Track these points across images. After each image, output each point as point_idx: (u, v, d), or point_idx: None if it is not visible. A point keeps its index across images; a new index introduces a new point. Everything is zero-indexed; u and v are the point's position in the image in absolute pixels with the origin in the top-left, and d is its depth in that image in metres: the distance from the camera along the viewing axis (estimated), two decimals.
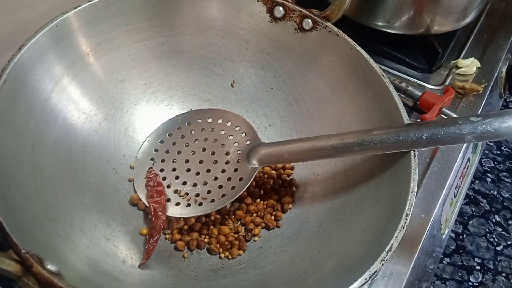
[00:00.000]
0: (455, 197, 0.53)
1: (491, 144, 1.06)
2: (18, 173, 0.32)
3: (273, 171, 0.43)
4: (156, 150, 0.42)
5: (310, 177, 0.42)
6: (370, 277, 0.28)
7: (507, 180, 1.00)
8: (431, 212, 0.44)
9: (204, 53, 0.45)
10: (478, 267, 0.86)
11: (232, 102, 0.46)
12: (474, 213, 0.94)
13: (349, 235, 0.35)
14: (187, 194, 0.39)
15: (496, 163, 1.03)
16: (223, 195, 0.38)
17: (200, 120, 0.43)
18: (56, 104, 0.37)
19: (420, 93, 0.50)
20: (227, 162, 0.40)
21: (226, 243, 0.38)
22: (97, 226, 0.36)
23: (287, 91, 0.45)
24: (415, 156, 0.34)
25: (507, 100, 1.14)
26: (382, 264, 0.29)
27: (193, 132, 0.42)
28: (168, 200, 0.38)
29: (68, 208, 0.35)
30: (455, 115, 0.49)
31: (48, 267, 0.27)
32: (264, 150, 0.39)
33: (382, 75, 0.38)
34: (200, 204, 0.38)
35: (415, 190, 0.32)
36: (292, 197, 0.41)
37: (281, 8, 0.43)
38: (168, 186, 0.39)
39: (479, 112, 0.53)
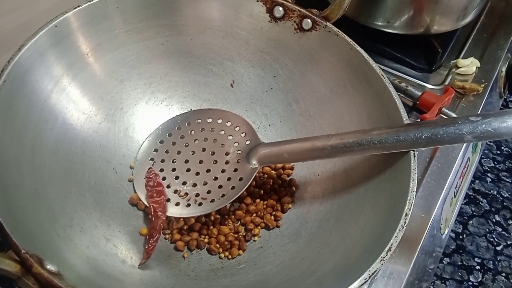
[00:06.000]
0: (455, 197, 0.53)
1: (491, 144, 1.06)
2: (18, 173, 0.32)
3: (273, 171, 0.43)
4: (156, 150, 0.42)
5: (309, 177, 0.42)
6: (369, 277, 0.28)
7: (507, 180, 1.00)
8: (431, 212, 0.44)
9: (203, 53, 0.45)
10: (478, 267, 0.86)
11: (231, 102, 0.46)
12: (474, 213, 0.94)
13: (348, 235, 0.35)
14: (186, 194, 0.39)
15: (496, 163, 1.03)
16: (223, 195, 0.38)
17: (199, 120, 0.43)
18: (56, 104, 0.37)
19: (420, 93, 0.50)
20: (226, 162, 0.40)
21: (226, 243, 0.38)
22: (97, 226, 0.36)
23: (286, 91, 0.45)
24: (414, 156, 0.34)
25: (507, 99, 1.14)
26: (382, 264, 0.29)
27: (192, 132, 0.42)
28: (168, 200, 0.38)
29: (67, 208, 0.35)
30: (454, 115, 0.49)
31: (48, 267, 0.27)
32: (263, 150, 0.39)
33: (382, 75, 0.38)
34: (200, 204, 0.38)
35: (415, 190, 0.32)
36: (291, 197, 0.41)
37: (280, 8, 0.43)
38: (168, 186, 0.39)
39: (479, 112, 0.53)
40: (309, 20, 0.42)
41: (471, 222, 0.92)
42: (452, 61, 0.58)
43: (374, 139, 0.34)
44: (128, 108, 0.43)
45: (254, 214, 0.40)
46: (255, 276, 0.36)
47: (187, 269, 0.37)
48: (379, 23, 0.54)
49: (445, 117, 0.49)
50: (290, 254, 0.37)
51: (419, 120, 0.49)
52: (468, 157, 0.55)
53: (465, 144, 0.50)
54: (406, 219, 0.31)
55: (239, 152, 0.40)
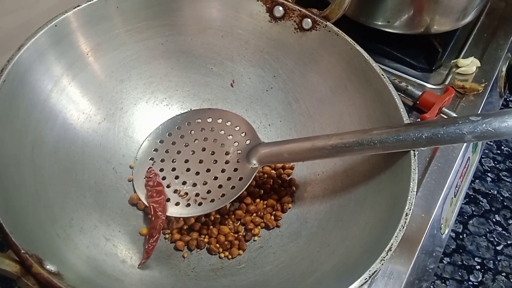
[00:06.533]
0: (455, 196, 0.53)
1: (491, 143, 1.06)
2: (18, 173, 0.32)
3: (273, 171, 0.43)
4: (155, 150, 0.42)
5: (310, 177, 0.42)
6: (370, 277, 0.28)
7: (507, 179, 1.00)
8: (431, 211, 0.44)
9: (203, 53, 0.45)
10: (478, 267, 0.86)
11: (231, 102, 0.46)
12: (474, 213, 0.94)
13: (349, 234, 0.35)
14: (186, 194, 0.39)
15: (496, 162, 1.03)
16: (223, 195, 0.38)
17: (199, 120, 0.43)
18: (56, 104, 0.37)
19: (420, 93, 0.50)
20: (226, 162, 0.40)
21: (225, 243, 0.38)
22: (97, 226, 0.36)
23: (286, 91, 0.45)
24: (415, 155, 0.34)
25: (507, 99, 1.14)
26: (382, 264, 0.29)
27: (192, 132, 0.42)
28: (168, 200, 0.38)
29: (67, 208, 0.35)
30: (455, 115, 0.49)
31: (48, 267, 0.27)
32: (263, 149, 0.39)
33: (382, 74, 0.38)
34: (200, 204, 0.38)
35: (415, 190, 0.32)
36: (291, 197, 0.41)
37: (280, 8, 0.43)
38: (168, 186, 0.39)
39: (479, 112, 0.53)
40: (309, 20, 0.42)
41: (471, 221, 0.92)
42: (452, 61, 0.58)
43: (374, 139, 0.34)
44: (128, 108, 0.43)
45: (254, 214, 0.40)
46: (255, 276, 0.36)
47: (187, 269, 0.37)
48: (379, 23, 0.54)
49: (445, 116, 0.49)
50: (290, 254, 0.37)
51: (419, 119, 0.49)
52: (468, 157, 0.55)
53: (465, 144, 0.50)
54: (406, 219, 0.31)
55: (239, 151, 0.40)
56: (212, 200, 0.38)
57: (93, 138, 0.40)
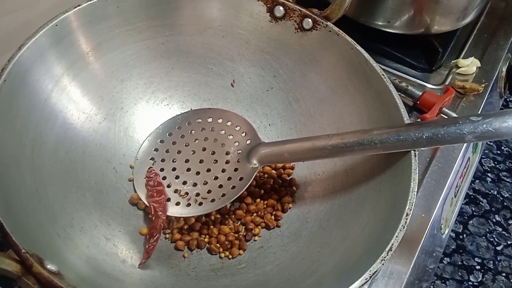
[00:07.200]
0: (455, 196, 0.53)
1: (491, 143, 1.06)
2: (18, 173, 0.32)
3: (273, 171, 0.43)
4: (156, 149, 0.42)
5: (310, 177, 0.42)
6: (370, 277, 0.28)
7: (507, 179, 1.00)
8: (431, 211, 0.44)
9: (204, 53, 0.45)
10: (478, 267, 0.86)
11: (232, 102, 0.46)
12: (474, 213, 0.94)
13: (349, 234, 0.35)
14: (187, 193, 0.39)
15: (496, 162, 1.03)
16: (223, 195, 0.38)
17: (200, 120, 0.43)
18: (56, 104, 0.37)
19: (420, 93, 0.50)
20: (227, 162, 0.40)
21: (226, 242, 0.38)
22: (97, 226, 0.36)
23: (287, 91, 0.45)
24: (415, 155, 0.34)
25: (507, 99, 1.14)
26: (383, 264, 0.29)
27: (193, 131, 0.42)
28: (168, 199, 0.38)
29: (68, 208, 0.35)
30: (455, 115, 0.49)
31: (48, 267, 0.27)
32: (264, 149, 0.39)
33: (382, 74, 0.38)
34: (200, 203, 0.38)
35: (415, 190, 0.32)
36: (292, 197, 0.41)
37: (281, 8, 0.43)
38: (168, 186, 0.39)
39: (479, 112, 0.53)
40: (309, 20, 0.42)
41: (471, 222, 0.92)
42: (452, 61, 0.58)
43: (375, 139, 0.34)
44: (129, 107, 0.43)
45: (255, 214, 0.40)
46: (255, 276, 0.36)
47: (187, 269, 0.37)
48: (380, 23, 0.54)
49: (446, 117, 0.49)
50: (290, 254, 0.37)
51: (419, 120, 0.49)
52: (469, 157, 0.55)
53: (465, 144, 0.50)
54: (407, 219, 0.31)
55: (240, 151, 0.40)
56: (213, 200, 0.38)
57: (94, 138, 0.40)
